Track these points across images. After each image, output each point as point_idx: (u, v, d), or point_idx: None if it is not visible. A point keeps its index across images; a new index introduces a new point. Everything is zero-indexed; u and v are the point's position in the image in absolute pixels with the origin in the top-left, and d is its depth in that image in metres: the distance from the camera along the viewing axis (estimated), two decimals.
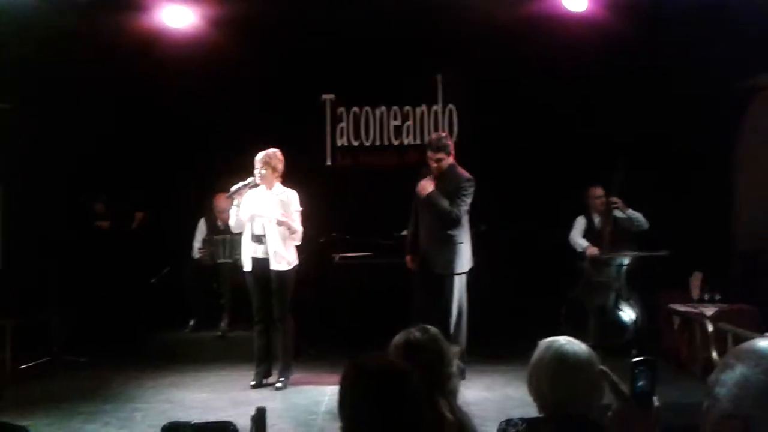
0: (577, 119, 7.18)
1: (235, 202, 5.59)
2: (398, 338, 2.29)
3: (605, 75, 6.92)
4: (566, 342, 2.16)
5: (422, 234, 5.78)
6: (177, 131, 7.25)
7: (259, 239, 5.57)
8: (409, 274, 5.92)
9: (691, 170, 7.09)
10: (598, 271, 6.60)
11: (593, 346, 6.42)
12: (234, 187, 5.58)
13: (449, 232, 5.60)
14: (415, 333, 2.28)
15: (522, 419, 2.19)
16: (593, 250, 6.54)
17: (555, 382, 2.09)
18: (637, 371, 1.56)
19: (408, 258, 5.91)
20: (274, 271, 5.54)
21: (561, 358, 2.10)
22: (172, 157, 7.24)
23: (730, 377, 1.21)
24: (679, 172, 7.06)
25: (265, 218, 5.54)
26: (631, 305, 6.44)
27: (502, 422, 2.23)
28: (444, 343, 2.27)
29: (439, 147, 5.69)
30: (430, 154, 5.72)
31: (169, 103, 7.12)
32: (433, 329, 2.30)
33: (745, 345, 1.26)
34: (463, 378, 5.63)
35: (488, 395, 5.34)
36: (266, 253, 5.55)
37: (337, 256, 6.86)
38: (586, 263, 6.66)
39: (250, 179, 5.56)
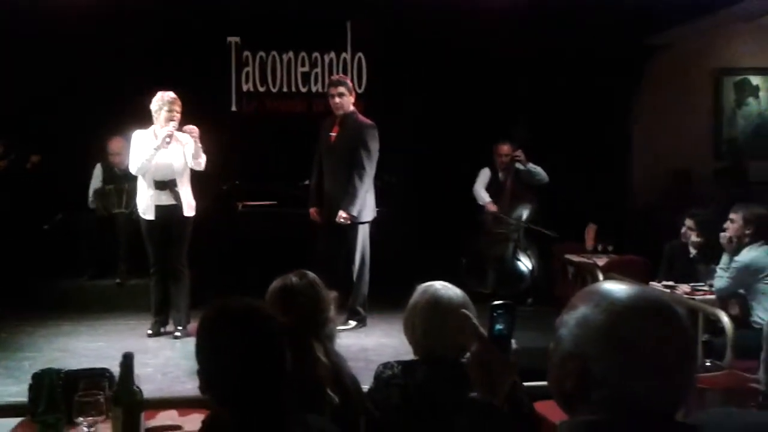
0: (486, 74, 7.23)
1: (154, 146, 5.38)
2: (275, 283, 2.27)
3: (513, 29, 6.96)
4: (441, 287, 2.19)
5: (326, 183, 5.74)
6: (77, 73, 6.88)
7: (164, 185, 5.41)
8: (314, 224, 5.89)
9: (591, 126, 7.30)
10: (497, 223, 6.79)
11: (491, 295, 6.64)
12: (165, 134, 5.35)
13: (353, 179, 5.58)
14: (292, 278, 2.26)
15: (398, 362, 2.22)
16: (492, 207, 6.72)
17: (428, 326, 2.12)
18: (495, 315, 1.59)
19: (312, 210, 5.87)
20: (181, 217, 5.41)
21: (435, 302, 2.14)
22: (70, 100, 6.88)
23: (572, 318, 1.24)
24: (579, 128, 7.24)
25: (174, 163, 5.39)
26: (528, 256, 6.69)
27: (379, 365, 2.26)
28: (321, 289, 2.27)
29: (340, 81, 5.70)
30: (331, 90, 5.69)
31: (67, 44, 6.74)
32: (311, 274, 2.29)
33: (590, 287, 1.30)
34: (364, 325, 5.73)
35: (386, 341, 5.42)
36: (174, 199, 5.41)
37: (240, 205, 6.74)
38: (487, 215, 6.83)
39: (173, 123, 5.37)
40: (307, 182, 6.12)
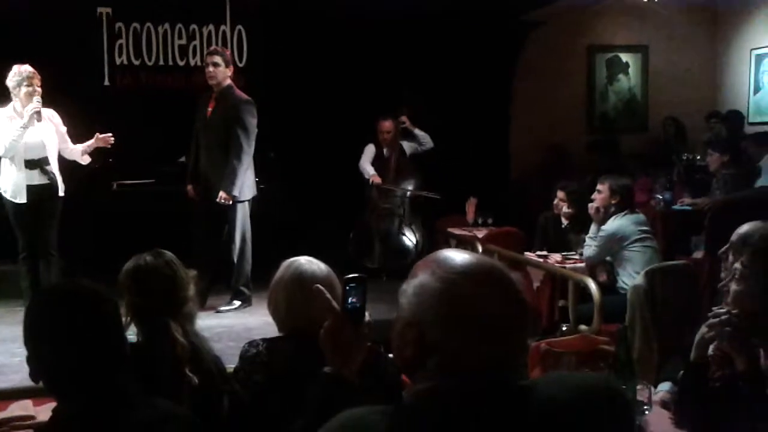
0: (369, 48, 7.22)
1: (22, 125, 5.07)
2: (128, 263, 2.19)
3: (395, 6, 6.97)
4: (306, 262, 2.17)
5: (202, 160, 5.59)
6: None
7: (35, 164, 5.14)
8: (193, 202, 5.75)
9: (470, 102, 7.45)
10: (383, 199, 6.85)
11: (378, 269, 6.67)
12: (32, 111, 5.04)
13: (231, 157, 5.45)
14: (147, 257, 2.19)
15: (263, 339, 2.19)
16: (377, 179, 6.77)
17: (291, 301, 2.10)
18: (348, 287, 1.58)
19: (189, 187, 5.71)
20: (54, 198, 5.19)
21: (298, 277, 2.11)
22: None
23: (411, 286, 1.25)
24: (458, 104, 7.38)
25: (45, 141, 5.15)
26: (413, 230, 6.81)
27: (245, 344, 2.21)
28: (179, 268, 2.20)
29: (216, 51, 5.58)
30: (207, 59, 5.57)
31: None
32: (167, 253, 2.22)
33: (430, 255, 1.30)
34: (249, 305, 5.65)
35: (271, 320, 5.34)
36: (47, 178, 5.17)
37: (114, 184, 6.47)
38: (373, 191, 6.87)
39: (37, 99, 5.07)
40: (183, 159, 5.96)
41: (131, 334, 2.13)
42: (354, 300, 1.58)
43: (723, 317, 2.09)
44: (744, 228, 2.25)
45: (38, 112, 5.09)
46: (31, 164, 5.14)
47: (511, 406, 1.18)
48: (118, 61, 7.10)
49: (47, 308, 1.47)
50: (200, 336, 2.19)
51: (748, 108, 8.20)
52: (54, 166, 5.23)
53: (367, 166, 6.94)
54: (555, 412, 1.19)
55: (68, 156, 5.41)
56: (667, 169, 7.15)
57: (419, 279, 1.23)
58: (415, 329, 1.20)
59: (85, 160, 5.45)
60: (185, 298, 2.16)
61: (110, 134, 5.40)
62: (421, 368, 1.20)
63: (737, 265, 2.16)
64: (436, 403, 1.17)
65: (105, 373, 1.41)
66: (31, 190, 5.15)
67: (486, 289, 1.19)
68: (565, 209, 5.22)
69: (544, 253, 5.06)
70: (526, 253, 5.23)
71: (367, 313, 1.60)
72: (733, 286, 2.15)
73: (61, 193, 5.26)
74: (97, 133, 5.39)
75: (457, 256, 1.24)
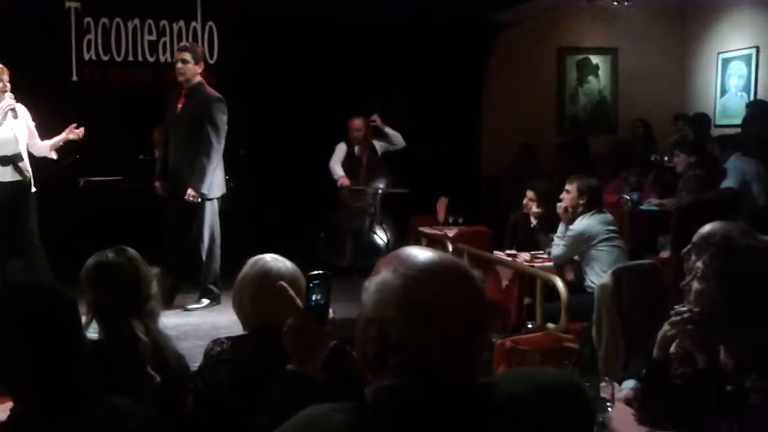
0: (341, 46, 7.21)
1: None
2: (90, 260, 2.16)
3: (367, 4, 6.98)
4: (271, 259, 2.16)
5: (171, 157, 5.54)
6: None
7: (8, 161, 5.09)
8: (162, 200, 5.69)
9: (442, 103, 7.47)
10: (354, 198, 6.84)
11: (349, 268, 6.65)
12: (7, 107, 5.02)
13: (200, 155, 5.41)
14: (109, 254, 2.16)
15: (228, 338, 2.17)
16: (345, 181, 6.76)
17: (256, 299, 2.08)
18: (311, 285, 1.57)
19: (157, 184, 5.66)
20: (28, 193, 5.15)
21: (264, 275, 2.10)
22: None
23: (373, 283, 1.24)
24: (431, 104, 7.40)
25: (18, 136, 5.11)
26: (384, 229, 6.81)
27: (210, 342, 2.19)
28: (141, 265, 2.17)
29: (186, 47, 5.55)
30: (176, 55, 5.54)
31: None
32: (130, 250, 2.19)
33: (393, 252, 1.30)
34: (218, 303, 5.61)
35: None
36: (20, 174, 5.13)
37: (82, 180, 6.39)
38: (344, 189, 6.86)
39: (9, 95, 5.06)
40: (142, 156, 5.90)
41: (93, 332, 2.10)
42: (318, 297, 1.57)
43: (685, 315, 2.11)
44: (706, 228, 2.28)
45: (13, 109, 5.05)
46: (3, 161, 5.09)
47: (473, 403, 1.18)
48: (86, 57, 7.02)
49: (2, 307, 1.44)
50: (163, 334, 2.16)
51: (714, 110, 8.32)
52: (26, 162, 5.19)
53: (336, 167, 6.92)
54: (516, 409, 1.20)
55: (36, 152, 5.34)
56: (639, 170, 7.22)
57: (381, 276, 1.23)
58: (377, 326, 1.20)
59: (53, 155, 5.38)
60: (148, 295, 2.14)
61: (81, 127, 5.33)
62: (383, 366, 1.20)
63: (699, 264, 2.19)
64: (397, 400, 1.17)
65: (62, 372, 1.38)
66: (3, 186, 5.10)
67: (447, 286, 1.19)
68: (534, 209, 5.26)
69: (513, 252, 5.08)
70: (496, 252, 5.25)
71: (331, 311, 1.60)
72: (695, 285, 2.17)
73: (33, 189, 5.22)
74: (71, 126, 5.30)
75: (420, 254, 1.24)
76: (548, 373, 1.31)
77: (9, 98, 5.05)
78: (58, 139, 5.34)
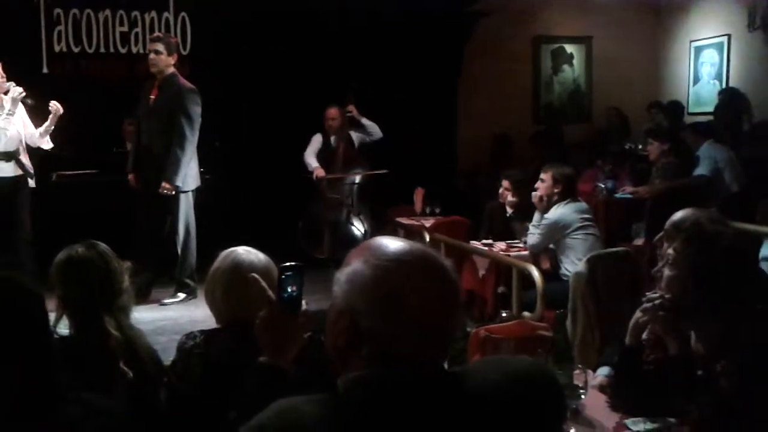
0: (316, 36, 7.17)
1: (7, 112, 5.02)
2: (60, 255, 2.13)
3: None
4: (244, 252, 2.14)
5: (145, 149, 5.49)
6: None
7: (9, 156, 5.10)
8: (136, 193, 5.64)
9: (418, 92, 7.47)
10: (331, 189, 6.81)
11: (327, 259, 6.62)
12: (18, 98, 5.03)
13: (174, 147, 5.36)
14: (79, 249, 2.13)
15: (201, 331, 2.15)
16: (320, 172, 6.71)
17: (228, 291, 2.07)
18: (284, 277, 1.56)
19: (131, 177, 5.60)
20: (26, 188, 5.18)
21: (236, 267, 2.08)
22: None
23: (344, 274, 1.24)
24: (406, 94, 7.39)
25: (20, 130, 5.14)
26: (361, 220, 6.78)
27: (183, 336, 2.18)
28: (112, 259, 2.15)
29: (158, 38, 5.50)
30: (149, 46, 5.51)
31: None
32: (100, 245, 2.16)
33: (364, 243, 1.30)
34: (194, 297, 5.57)
35: None
36: (21, 169, 5.15)
37: (54, 174, 6.30)
38: (322, 181, 6.83)
39: (14, 86, 5.06)
40: (115, 149, 5.85)
41: (64, 328, 2.08)
42: (291, 289, 1.56)
43: (656, 302, 2.14)
44: (677, 215, 2.31)
45: (25, 96, 5.07)
46: (4, 156, 5.08)
47: (444, 392, 1.18)
48: (57, 49, 6.90)
49: None
50: (136, 329, 2.14)
51: (687, 98, 8.41)
52: (26, 157, 5.19)
53: (310, 158, 6.85)
54: (487, 397, 1.20)
55: (30, 142, 5.28)
56: (614, 159, 7.27)
57: (352, 267, 1.22)
58: (348, 317, 1.19)
59: (47, 143, 5.31)
60: (119, 290, 2.12)
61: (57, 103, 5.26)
62: (355, 357, 1.19)
63: (670, 251, 2.21)
64: (369, 391, 1.17)
65: (31, 370, 1.36)
66: (4, 182, 5.09)
67: (418, 276, 1.19)
68: (509, 198, 5.28)
69: (490, 241, 5.10)
70: (472, 241, 5.27)
71: (304, 302, 1.59)
72: (666, 272, 2.20)
73: (32, 184, 5.22)
74: (50, 106, 5.23)
75: (391, 244, 1.23)
76: (520, 362, 1.32)
77: (17, 90, 5.00)
78: (48, 125, 5.26)
